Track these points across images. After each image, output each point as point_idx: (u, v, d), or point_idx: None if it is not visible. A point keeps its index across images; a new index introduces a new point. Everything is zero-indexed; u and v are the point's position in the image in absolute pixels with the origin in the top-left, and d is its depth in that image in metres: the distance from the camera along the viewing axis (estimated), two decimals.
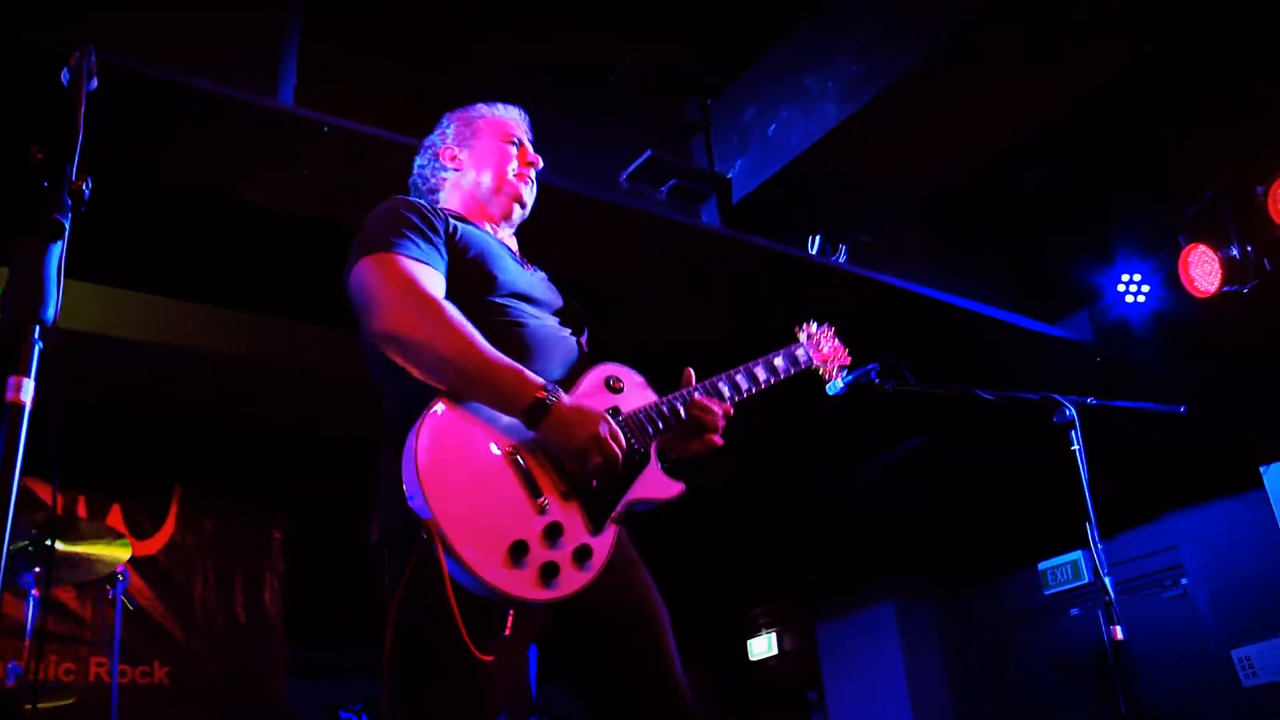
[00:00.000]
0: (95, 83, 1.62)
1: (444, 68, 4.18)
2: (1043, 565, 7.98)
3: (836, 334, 2.72)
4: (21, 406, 1.36)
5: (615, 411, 2.10)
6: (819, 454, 6.88)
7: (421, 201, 2.23)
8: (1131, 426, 5.88)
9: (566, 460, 1.95)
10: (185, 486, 6.28)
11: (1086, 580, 7.60)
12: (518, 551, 1.82)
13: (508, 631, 1.88)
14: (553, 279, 2.41)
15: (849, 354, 2.72)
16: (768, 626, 9.53)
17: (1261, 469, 6.84)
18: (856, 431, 6.49)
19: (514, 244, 2.46)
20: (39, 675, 5.10)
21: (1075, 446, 3.06)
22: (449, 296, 2.07)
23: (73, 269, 1.47)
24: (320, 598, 6.77)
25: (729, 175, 4.73)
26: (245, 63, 3.58)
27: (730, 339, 4.90)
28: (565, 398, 1.96)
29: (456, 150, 2.45)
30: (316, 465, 6.20)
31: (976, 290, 5.44)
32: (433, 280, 2.05)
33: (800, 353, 2.57)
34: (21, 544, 3.93)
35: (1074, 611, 7.89)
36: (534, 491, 1.90)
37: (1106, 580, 2.92)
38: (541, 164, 2.49)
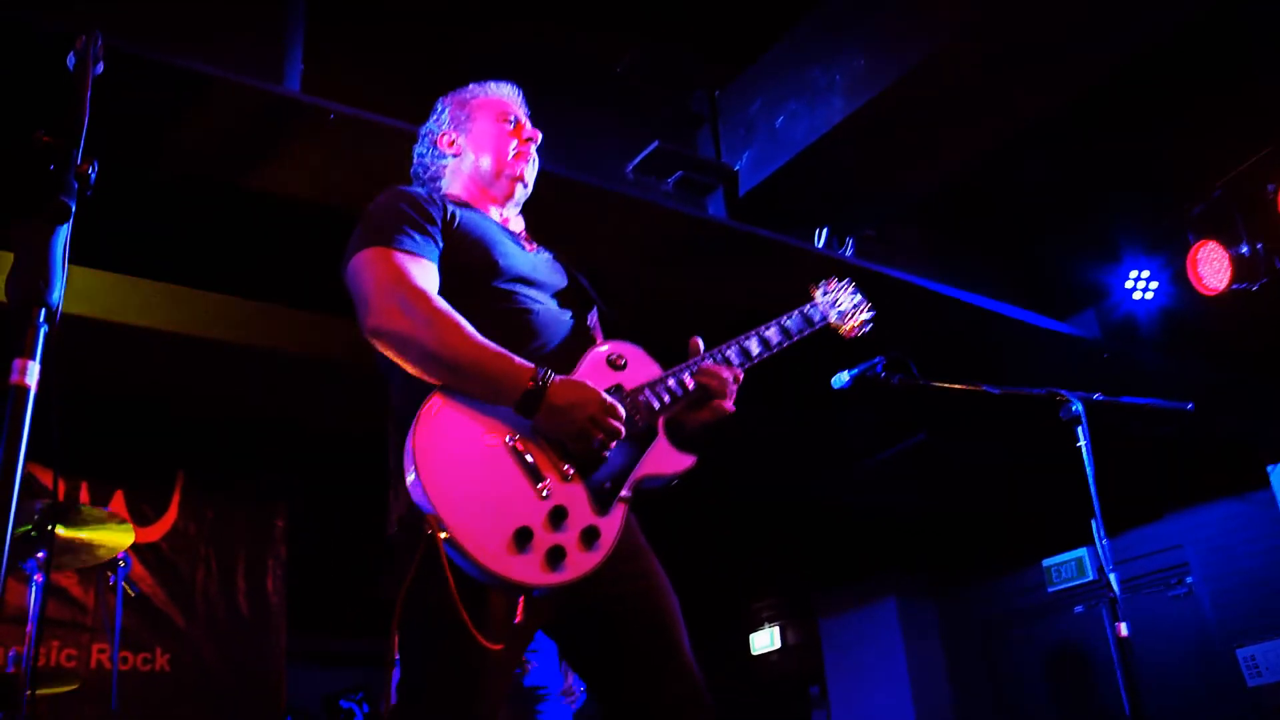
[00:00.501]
0: (102, 67, 1.61)
1: (451, 56, 4.16)
2: (1047, 562, 7.93)
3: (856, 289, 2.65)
4: (26, 390, 1.34)
5: (618, 389, 2.08)
6: (823, 449, 6.86)
7: (420, 191, 2.22)
8: (1138, 424, 5.88)
9: (568, 442, 1.94)
10: (188, 474, 6.28)
11: (1090, 578, 7.57)
12: (522, 538, 1.82)
13: (519, 619, 1.87)
14: (558, 257, 2.40)
15: (869, 308, 2.65)
16: (770, 621, 9.50)
17: (1269, 468, 6.82)
18: (861, 426, 6.47)
19: (519, 224, 2.45)
20: (40, 661, 5.12)
21: (1081, 442, 3.05)
22: (449, 284, 2.06)
23: (76, 255, 1.46)
24: (322, 586, 6.79)
25: (736, 167, 4.71)
26: (252, 49, 3.56)
27: (736, 331, 4.87)
28: (557, 379, 1.94)
29: (454, 135, 2.44)
30: (319, 454, 6.21)
31: (983, 285, 5.42)
32: (425, 274, 2.04)
33: (813, 311, 2.52)
34: (24, 529, 3.93)
35: (1078, 609, 7.86)
36: (535, 477, 1.90)
37: (1112, 576, 2.91)
38: (540, 138, 2.46)
